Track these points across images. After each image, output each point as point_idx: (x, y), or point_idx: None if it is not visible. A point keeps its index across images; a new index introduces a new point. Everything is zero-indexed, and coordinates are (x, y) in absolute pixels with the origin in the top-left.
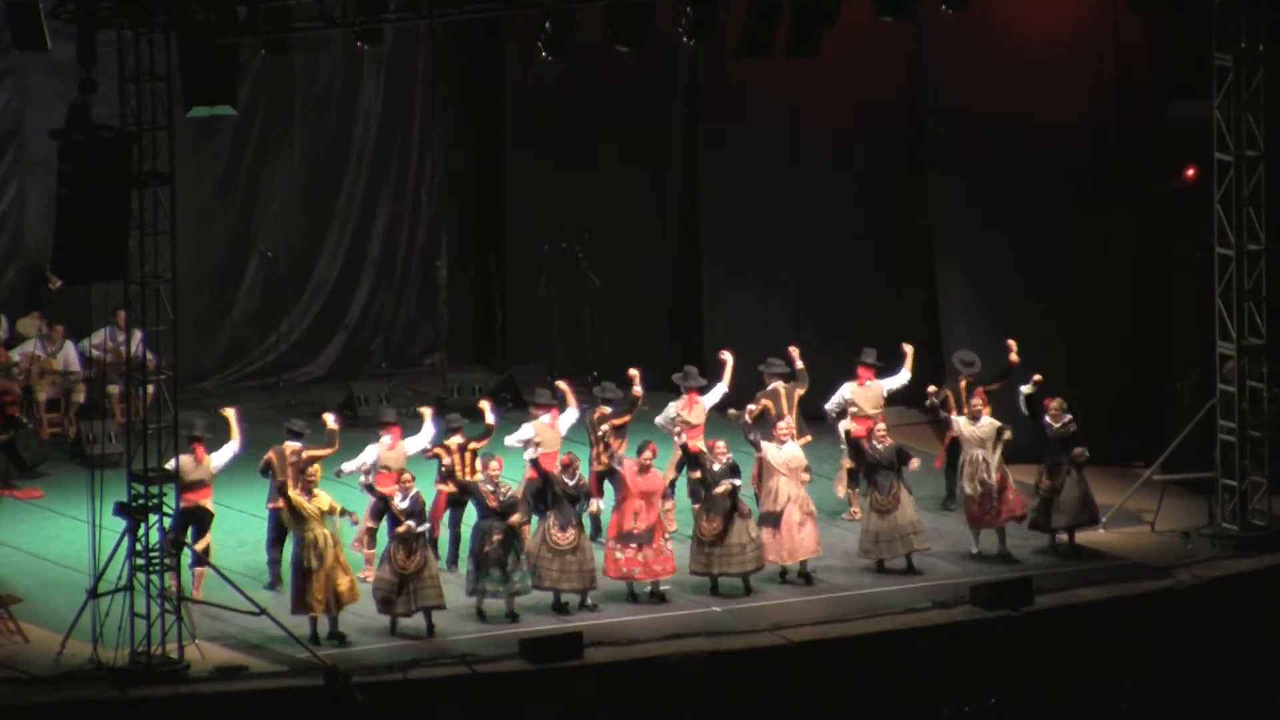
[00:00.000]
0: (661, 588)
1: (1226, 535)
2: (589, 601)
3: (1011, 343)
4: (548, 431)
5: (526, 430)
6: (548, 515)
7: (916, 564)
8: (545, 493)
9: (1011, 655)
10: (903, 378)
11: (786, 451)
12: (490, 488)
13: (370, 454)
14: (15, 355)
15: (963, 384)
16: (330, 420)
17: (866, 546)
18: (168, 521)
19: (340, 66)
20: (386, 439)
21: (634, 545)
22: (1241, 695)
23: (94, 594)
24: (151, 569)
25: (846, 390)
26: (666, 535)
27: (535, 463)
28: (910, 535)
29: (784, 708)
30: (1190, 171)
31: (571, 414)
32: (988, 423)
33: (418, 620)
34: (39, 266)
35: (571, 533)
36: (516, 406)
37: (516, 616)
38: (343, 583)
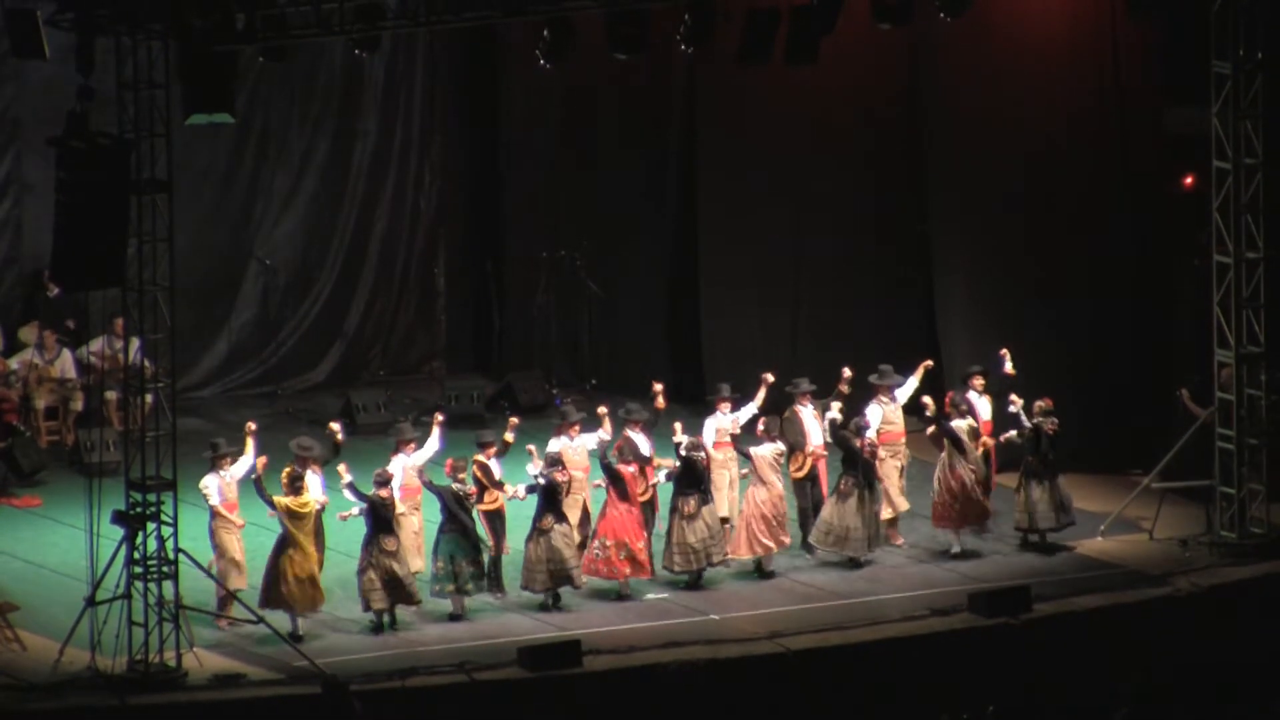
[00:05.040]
0: (648, 596)
1: (1225, 543)
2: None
3: (1005, 353)
4: (569, 453)
5: (553, 446)
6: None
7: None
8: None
9: (1010, 663)
10: (909, 387)
11: (765, 449)
12: (456, 487)
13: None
14: (14, 363)
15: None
16: (336, 429)
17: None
18: (166, 530)
19: (338, 74)
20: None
21: (614, 546)
22: (1240, 703)
23: (92, 602)
24: (149, 577)
25: (877, 414)
26: (647, 537)
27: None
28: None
29: (782, 716)
30: (1189, 179)
31: (597, 435)
32: (965, 425)
33: (415, 628)
34: (37, 274)
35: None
36: (514, 414)
37: (461, 617)
38: (308, 587)
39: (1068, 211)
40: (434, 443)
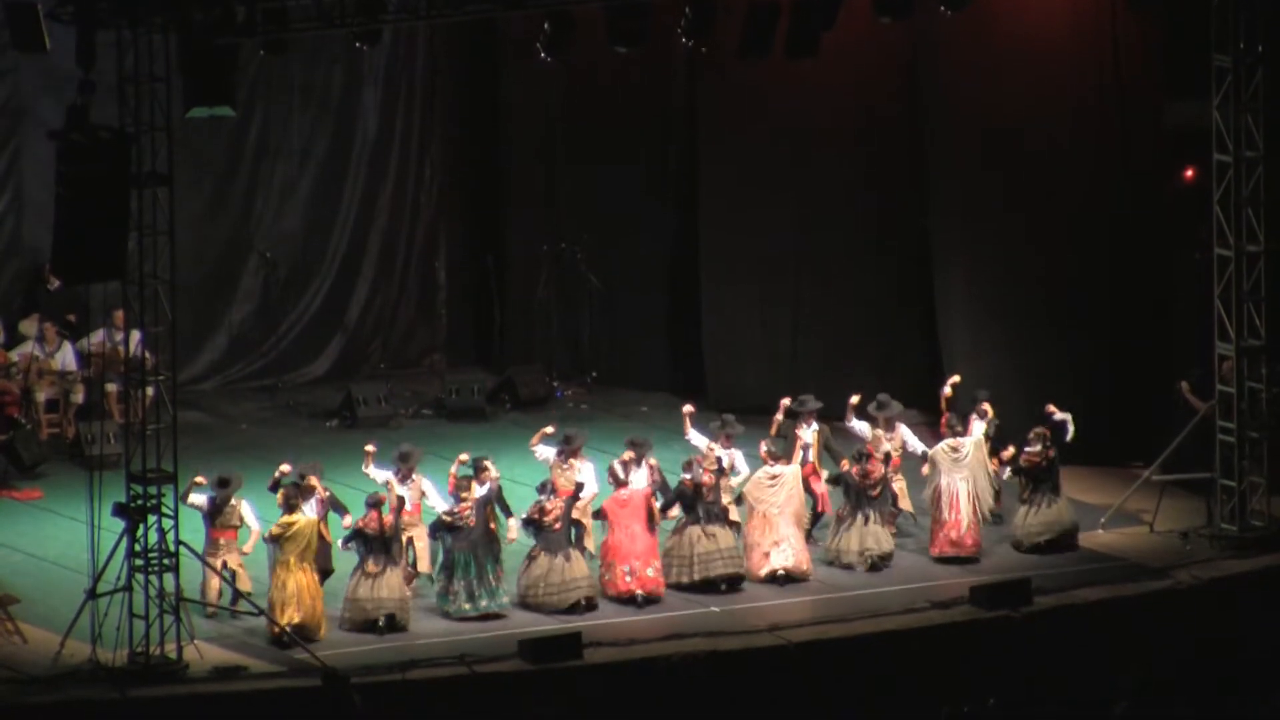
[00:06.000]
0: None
1: (1225, 536)
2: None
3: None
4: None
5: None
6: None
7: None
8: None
9: (1011, 656)
10: (919, 447)
11: (758, 474)
12: (449, 512)
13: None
14: (14, 356)
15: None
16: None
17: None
18: (166, 522)
19: (339, 67)
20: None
21: (606, 566)
22: (1241, 695)
23: (93, 594)
24: (150, 569)
25: (865, 429)
26: (653, 558)
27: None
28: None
29: (782, 709)
30: (1189, 172)
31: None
32: (944, 447)
33: (420, 622)
34: (37, 267)
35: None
36: (515, 408)
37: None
38: (308, 610)
39: (1068, 205)
40: (441, 500)
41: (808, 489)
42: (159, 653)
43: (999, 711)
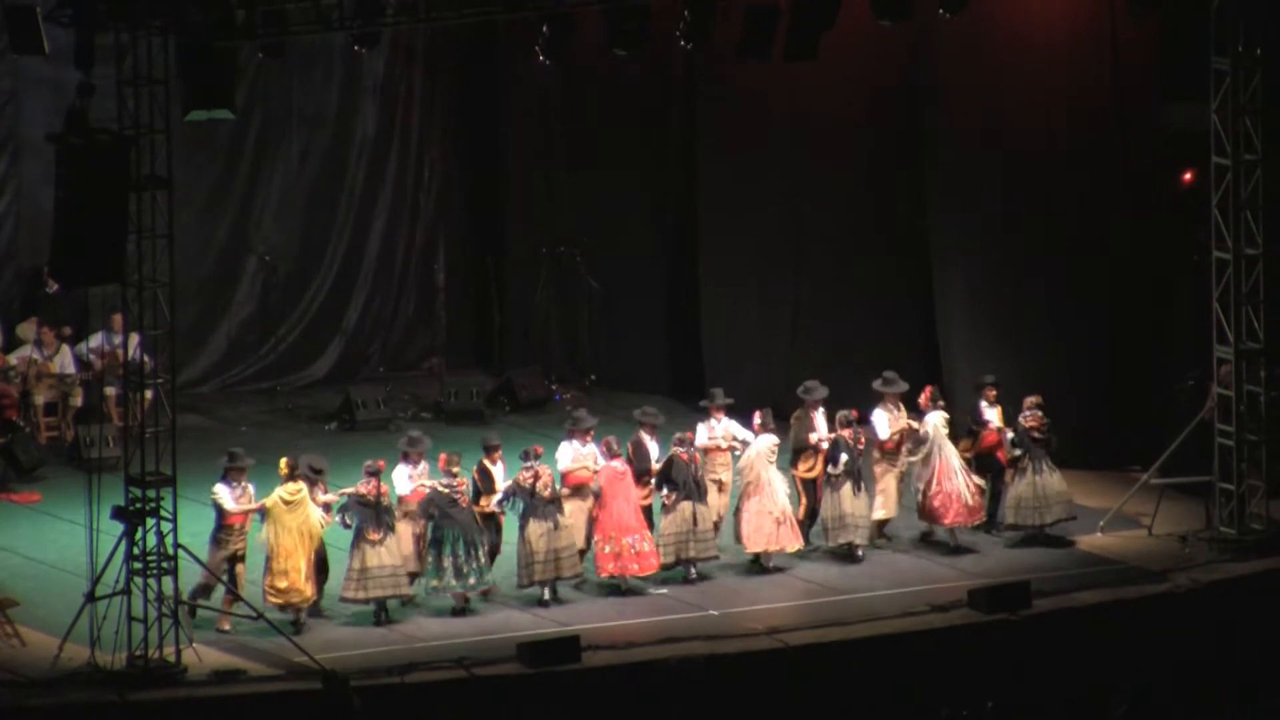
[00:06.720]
0: (649, 591)
1: (1224, 539)
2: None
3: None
4: (581, 457)
5: (565, 453)
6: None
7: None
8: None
9: (1009, 659)
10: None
11: (761, 442)
12: (446, 484)
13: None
14: (13, 359)
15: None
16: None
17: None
18: (165, 525)
19: (338, 70)
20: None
21: (600, 541)
22: (1238, 699)
23: (91, 597)
24: (149, 573)
25: (883, 420)
26: (648, 532)
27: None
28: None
29: (781, 712)
30: (1188, 175)
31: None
32: (940, 418)
33: (416, 623)
34: (36, 270)
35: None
36: (514, 410)
37: (464, 611)
38: (300, 582)
39: (1066, 207)
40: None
41: (811, 492)
42: (158, 656)
43: (997, 715)
